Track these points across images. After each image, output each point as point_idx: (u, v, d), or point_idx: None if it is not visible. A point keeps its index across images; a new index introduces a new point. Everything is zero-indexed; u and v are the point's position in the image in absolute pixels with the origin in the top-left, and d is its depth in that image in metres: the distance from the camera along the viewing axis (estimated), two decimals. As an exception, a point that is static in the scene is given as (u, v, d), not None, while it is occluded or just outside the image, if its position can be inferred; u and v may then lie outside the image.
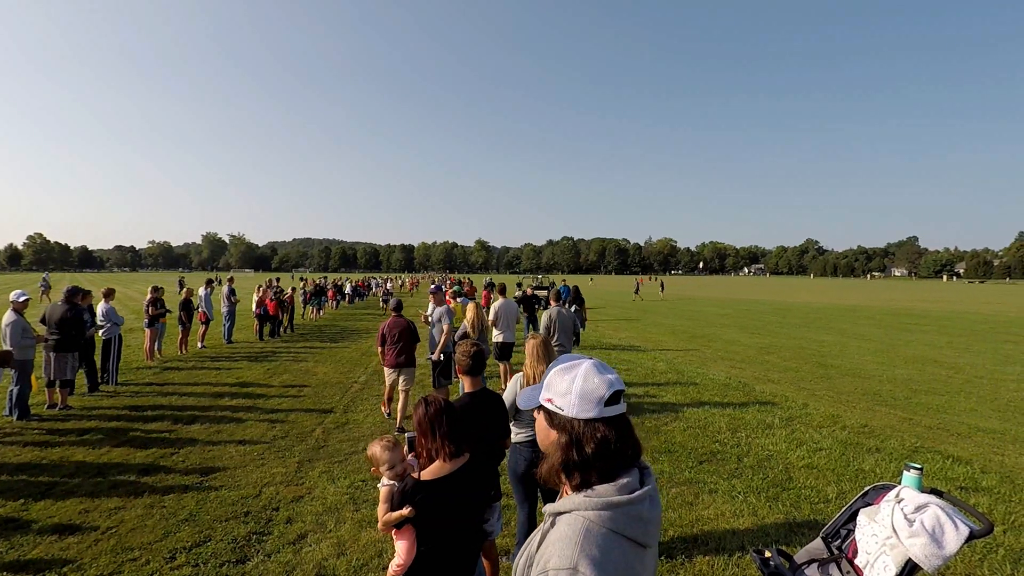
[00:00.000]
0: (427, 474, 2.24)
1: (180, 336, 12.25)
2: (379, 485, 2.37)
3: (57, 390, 7.36)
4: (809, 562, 2.50)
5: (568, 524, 1.06)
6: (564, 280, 22.85)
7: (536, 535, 1.16)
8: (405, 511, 2.14)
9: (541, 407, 1.22)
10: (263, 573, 3.50)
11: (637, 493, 1.08)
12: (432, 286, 7.32)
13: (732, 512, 4.37)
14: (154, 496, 4.62)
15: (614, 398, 1.12)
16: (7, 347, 6.71)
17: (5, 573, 3.48)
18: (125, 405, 7.58)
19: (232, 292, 14.43)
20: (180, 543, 3.86)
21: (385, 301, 18.53)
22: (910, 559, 2.14)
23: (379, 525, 2.28)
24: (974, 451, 5.97)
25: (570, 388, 1.14)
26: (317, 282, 23.12)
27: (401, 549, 2.24)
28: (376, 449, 2.42)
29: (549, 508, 1.14)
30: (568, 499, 1.11)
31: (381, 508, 2.25)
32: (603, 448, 1.10)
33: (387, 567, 3.54)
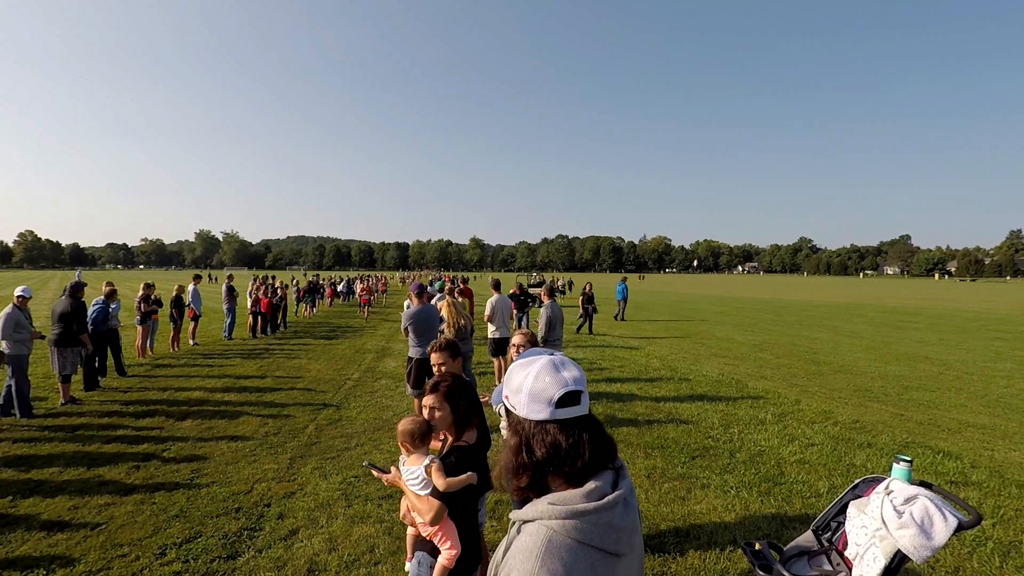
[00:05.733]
0: (469, 439, 2.25)
1: (172, 333, 12.17)
2: (421, 465, 2.30)
3: (60, 385, 7.39)
4: (799, 554, 2.51)
5: (530, 534, 1.00)
6: (625, 278, 22.69)
7: (503, 543, 1.10)
8: (471, 476, 2.13)
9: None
10: (254, 569, 3.48)
11: (606, 499, 1.01)
12: (413, 286, 6.76)
13: (724, 506, 4.39)
14: (144, 492, 4.58)
15: (569, 399, 1.04)
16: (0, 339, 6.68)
17: (-8, 570, 3.44)
18: (116, 401, 7.52)
19: (231, 290, 14.44)
20: (170, 539, 3.83)
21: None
22: (899, 550, 2.15)
23: (432, 515, 2.18)
24: (964, 446, 6.02)
25: (521, 386, 1.08)
26: (311, 279, 23.04)
27: (452, 539, 2.22)
28: (413, 424, 2.40)
29: (514, 515, 1.08)
30: (532, 506, 1.04)
31: (442, 482, 2.18)
32: (553, 453, 1.04)
33: (379, 563, 3.55)
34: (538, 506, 1.02)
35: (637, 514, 1.09)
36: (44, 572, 3.43)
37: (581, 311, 16.44)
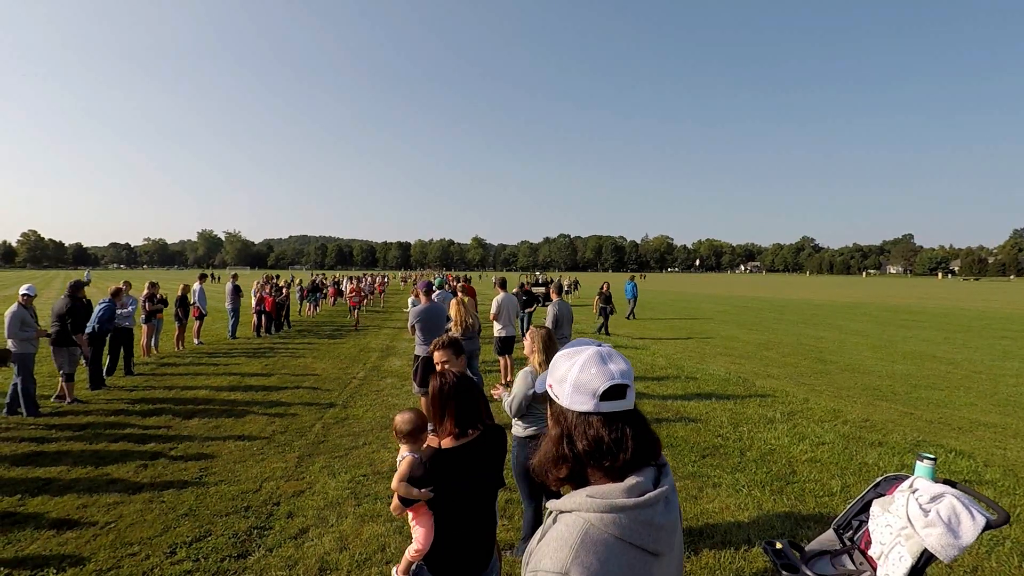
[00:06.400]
0: (446, 444, 2.19)
1: (176, 332, 12.17)
2: (398, 458, 2.34)
3: (61, 383, 7.35)
4: (821, 553, 2.47)
5: (567, 524, 0.97)
6: (632, 277, 22.16)
7: (539, 531, 1.08)
8: (424, 493, 2.10)
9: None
10: (265, 568, 3.46)
11: (647, 496, 0.97)
12: (420, 284, 6.99)
13: (737, 505, 4.35)
14: (153, 491, 4.56)
15: (614, 392, 1.01)
16: (6, 338, 6.68)
17: (3, 568, 3.42)
18: (122, 400, 7.51)
19: (236, 289, 14.43)
20: (180, 538, 3.81)
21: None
22: (926, 549, 2.11)
23: (393, 504, 2.22)
24: (976, 445, 5.97)
25: (566, 376, 1.05)
26: (314, 279, 23.06)
27: (419, 535, 2.20)
28: (402, 420, 2.42)
29: (552, 504, 1.05)
30: (570, 497, 1.02)
31: (396, 482, 2.18)
32: (594, 446, 1.01)
33: (390, 561, 3.52)
34: (576, 498, 1.00)
35: (678, 513, 1.06)
36: (54, 571, 3.41)
37: (598, 311, 16.20)
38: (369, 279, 31.62)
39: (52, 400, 7.29)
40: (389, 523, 4.01)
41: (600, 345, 1.10)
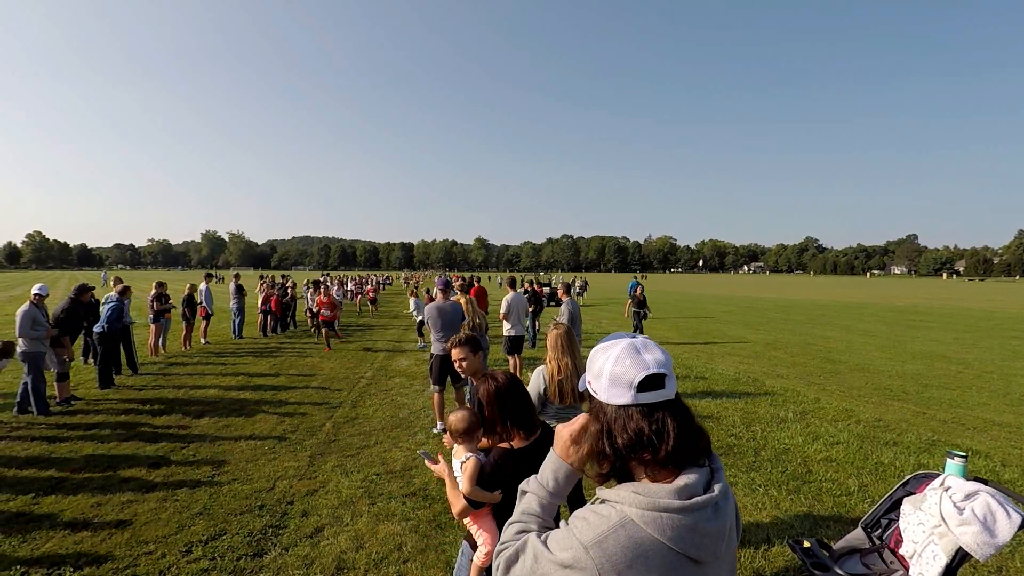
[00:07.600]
0: (516, 444, 2.14)
1: (184, 332, 12.19)
2: (460, 460, 2.27)
3: (54, 384, 7.31)
4: (850, 552, 2.44)
5: (611, 510, 0.95)
6: (635, 276, 21.49)
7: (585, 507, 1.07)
8: (496, 496, 2.05)
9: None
10: (282, 566, 3.44)
11: (695, 500, 0.94)
12: (438, 281, 7.01)
13: (754, 505, 4.31)
14: (166, 490, 4.55)
15: (652, 382, 0.99)
16: (17, 336, 6.68)
17: (20, 567, 3.41)
18: (132, 399, 7.51)
19: (240, 288, 14.43)
20: (195, 536, 3.79)
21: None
22: (960, 548, 2.08)
23: (457, 509, 2.15)
24: (991, 445, 5.91)
25: (602, 370, 1.03)
26: (320, 279, 23.05)
27: (485, 539, 2.15)
28: (458, 419, 2.37)
29: (600, 491, 1.03)
30: (617, 490, 0.99)
31: (467, 485, 2.13)
32: (635, 439, 0.98)
33: (407, 560, 3.50)
34: (622, 492, 0.97)
35: (730, 519, 1.01)
36: (71, 569, 3.40)
37: (630, 314, 15.44)
38: (356, 281, 24.89)
39: (55, 403, 7.23)
40: (404, 522, 3.99)
41: (634, 337, 1.08)
